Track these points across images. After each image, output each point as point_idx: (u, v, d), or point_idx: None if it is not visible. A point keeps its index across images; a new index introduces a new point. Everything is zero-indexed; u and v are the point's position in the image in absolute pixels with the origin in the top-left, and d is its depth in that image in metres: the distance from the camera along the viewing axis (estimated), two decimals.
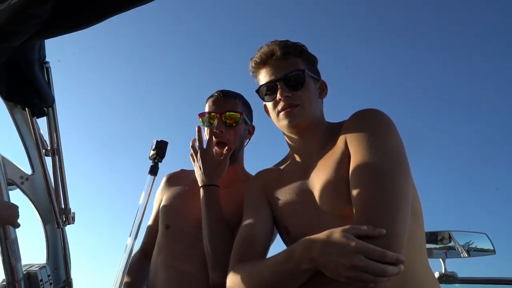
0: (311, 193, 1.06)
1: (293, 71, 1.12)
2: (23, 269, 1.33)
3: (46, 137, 1.57)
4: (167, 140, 1.49)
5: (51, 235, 1.62)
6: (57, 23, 0.96)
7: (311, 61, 1.20)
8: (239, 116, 1.42)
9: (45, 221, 1.60)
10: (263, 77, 1.17)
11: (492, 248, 1.95)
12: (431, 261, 2.00)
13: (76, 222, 1.65)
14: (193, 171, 1.42)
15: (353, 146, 0.99)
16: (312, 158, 1.12)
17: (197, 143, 1.39)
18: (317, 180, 1.05)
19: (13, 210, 1.27)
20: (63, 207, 1.60)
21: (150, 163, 1.46)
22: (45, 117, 1.54)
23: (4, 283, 1.30)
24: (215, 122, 1.41)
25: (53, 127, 1.57)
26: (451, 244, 2.01)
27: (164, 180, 1.59)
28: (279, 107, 1.12)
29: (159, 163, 1.46)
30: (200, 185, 1.34)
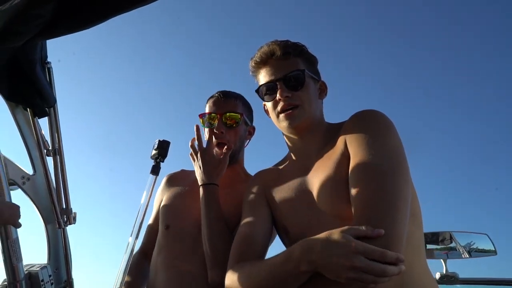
0: (310, 193, 1.06)
1: (293, 71, 1.12)
2: (24, 269, 1.33)
3: (47, 137, 1.58)
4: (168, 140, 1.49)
5: (52, 235, 1.62)
6: (59, 24, 0.97)
7: (311, 61, 1.20)
8: (239, 117, 1.42)
9: (46, 221, 1.60)
10: (263, 77, 1.17)
11: (493, 249, 1.95)
12: (432, 262, 2.02)
13: (77, 222, 1.65)
14: (193, 172, 1.42)
15: (353, 147, 0.99)
16: (312, 158, 1.12)
17: (196, 143, 1.40)
18: (317, 180, 1.05)
19: (15, 210, 1.27)
20: (64, 207, 1.60)
21: (151, 163, 1.46)
22: (46, 117, 1.54)
23: (5, 283, 1.30)
24: (216, 122, 1.41)
25: (54, 127, 1.57)
26: (452, 244, 2.01)
27: (164, 180, 1.59)
28: (279, 107, 1.12)
29: (161, 163, 1.46)
30: (199, 184, 1.35)
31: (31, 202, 1.56)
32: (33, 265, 1.50)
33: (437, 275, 1.96)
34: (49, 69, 1.49)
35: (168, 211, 1.46)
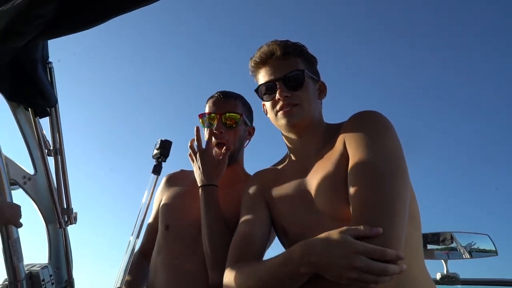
0: (309, 194, 1.06)
1: (293, 71, 1.12)
2: (25, 269, 1.33)
3: (48, 137, 1.58)
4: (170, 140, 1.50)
5: (53, 235, 1.62)
6: (61, 24, 0.97)
7: (311, 61, 1.20)
8: (239, 117, 1.42)
9: (47, 221, 1.60)
10: (263, 76, 1.17)
11: (494, 249, 1.94)
12: (433, 262, 2.01)
13: (78, 222, 1.66)
14: (192, 172, 1.42)
15: (352, 147, 0.99)
16: (310, 158, 1.12)
17: (195, 143, 1.40)
18: (315, 181, 1.05)
19: (16, 210, 1.27)
20: (65, 207, 1.60)
21: (151, 163, 1.47)
22: (47, 117, 1.55)
23: (6, 282, 1.30)
24: (215, 123, 1.41)
25: (55, 127, 1.57)
26: (453, 245, 2.00)
27: (164, 180, 1.59)
28: (278, 106, 1.12)
29: (162, 162, 1.46)
30: (199, 185, 1.35)
31: (32, 202, 1.56)
32: (34, 265, 1.50)
33: (438, 276, 1.96)
34: (51, 69, 1.50)
35: (167, 211, 1.46)
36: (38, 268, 1.46)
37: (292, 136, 1.17)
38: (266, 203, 1.16)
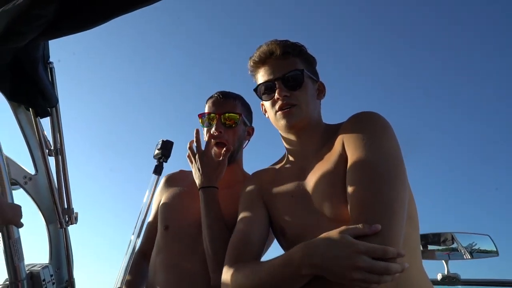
0: (307, 194, 1.06)
1: (292, 70, 1.12)
2: (26, 269, 1.33)
3: (49, 137, 1.58)
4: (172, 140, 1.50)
5: (54, 235, 1.62)
6: (62, 24, 0.97)
7: (310, 61, 1.19)
8: (238, 117, 1.42)
9: (48, 221, 1.61)
10: (262, 76, 1.16)
11: (495, 250, 1.94)
12: (434, 263, 2.01)
13: (79, 222, 1.66)
14: (192, 172, 1.42)
15: (350, 148, 0.99)
16: (309, 159, 1.11)
17: (194, 145, 1.39)
18: (314, 181, 1.05)
19: (17, 211, 1.28)
20: (66, 207, 1.61)
21: (151, 163, 1.47)
22: (48, 117, 1.55)
23: (7, 282, 1.30)
24: (214, 122, 1.41)
25: (56, 127, 1.57)
26: (454, 245, 2.00)
27: (163, 181, 1.58)
28: (277, 106, 1.12)
29: (164, 163, 1.46)
30: (199, 187, 1.34)
31: (33, 202, 1.56)
32: (34, 265, 1.50)
33: (439, 276, 1.96)
34: (51, 69, 1.50)
35: (167, 211, 1.46)
36: (39, 268, 1.46)
37: (290, 136, 1.17)
38: (264, 203, 1.16)
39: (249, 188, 1.22)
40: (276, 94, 1.11)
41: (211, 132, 1.39)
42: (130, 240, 1.40)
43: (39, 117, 1.52)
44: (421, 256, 1.02)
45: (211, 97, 1.48)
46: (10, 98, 1.45)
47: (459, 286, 2.00)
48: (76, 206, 1.64)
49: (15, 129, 1.52)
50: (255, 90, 1.20)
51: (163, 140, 1.47)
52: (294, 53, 1.14)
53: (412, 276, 0.93)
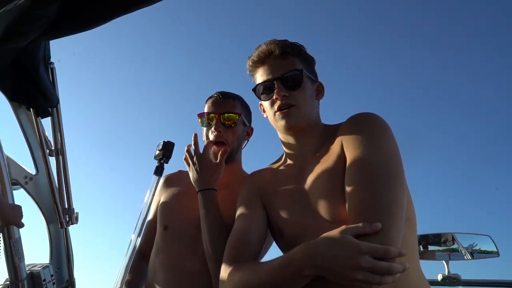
0: (305, 195, 1.05)
1: (291, 70, 1.11)
2: (27, 269, 1.33)
3: (50, 137, 1.58)
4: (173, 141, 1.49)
5: (55, 235, 1.62)
6: (63, 24, 0.97)
7: (309, 61, 1.19)
8: (237, 117, 1.43)
9: (48, 221, 1.61)
10: (260, 76, 1.16)
11: (496, 250, 1.94)
12: (434, 263, 2.01)
13: (79, 222, 1.66)
14: None
15: (349, 149, 0.98)
16: (307, 159, 1.11)
17: (192, 147, 1.39)
18: (312, 182, 1.05)
19: (17, 211, 1.28)
20: (66, 207, 1.61)
21: (151, 163, 1.46)
22: (49, 117, 1.55)
23: (8, 282, 1.31)
24: (214, 122, 1.41)
25: (57, 127, 1.57)
26: (455, 246, 2.00)
27: (162, 181, 1.58)
28: (276, 106, 1.11)
29: (164, 164, 1.46)
30: (197, 189, 1.34)
31: (34, 202, 1.57)
32: (35, 265, 1.50)
33: (439, 277, 1.96)
34: (52, 69, 1.50)
35: (166, 211, 1.46)
36: (39, 268, 1.47)
37: (289, 137, 1.16)
38: (262, 204, 1.15)
39: (247, 188, 1.22)
40: (274, 94, 1.10)
41: (211, 132, 1.40)
42: (130, 241, 1.40)
43: (40, 117, 1.52)
44: (418, 258, 1.02)
45: (210, 97, 1.48)
46: (11, 98, 1.46)
47: (460, 287, 2.00)
48: (76, 206, 1.64)
49: (16, 129, 1.52)
50: (254, 90, 1.19)
51: (164, 141, 1.47)
52: (293, 53, 1.14)
53: (410, 278, 0.92)
